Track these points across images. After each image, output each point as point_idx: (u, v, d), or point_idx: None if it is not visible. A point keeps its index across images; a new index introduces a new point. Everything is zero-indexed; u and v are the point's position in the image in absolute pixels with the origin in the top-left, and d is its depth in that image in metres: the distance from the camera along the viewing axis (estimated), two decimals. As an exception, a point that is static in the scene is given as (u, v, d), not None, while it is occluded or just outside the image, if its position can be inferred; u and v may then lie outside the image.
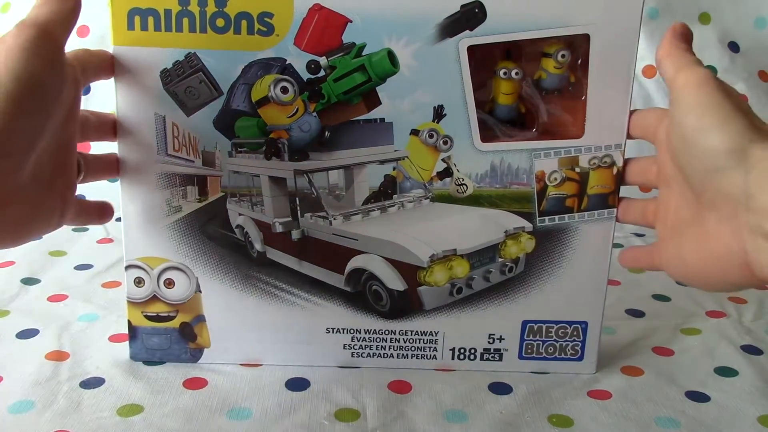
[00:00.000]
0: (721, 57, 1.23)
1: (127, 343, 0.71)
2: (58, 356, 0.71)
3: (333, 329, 0.69)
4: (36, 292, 0.86)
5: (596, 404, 0.67)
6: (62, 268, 0.93)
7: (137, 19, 0.60)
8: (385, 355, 0.70)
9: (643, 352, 0.77)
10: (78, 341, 0.74)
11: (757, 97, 1.23)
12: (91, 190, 1.13)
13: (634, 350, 0.77)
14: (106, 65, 0.60)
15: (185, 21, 0.60)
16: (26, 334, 0.76)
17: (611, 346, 0.77)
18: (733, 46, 1.24)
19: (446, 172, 0.65)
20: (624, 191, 0.66)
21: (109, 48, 0.61)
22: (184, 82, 0.61)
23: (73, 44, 0.53)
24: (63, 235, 1.03)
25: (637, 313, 0.85)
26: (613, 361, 0.74)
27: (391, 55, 0.61)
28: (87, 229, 1.06)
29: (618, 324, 0.82)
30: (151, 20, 0.60)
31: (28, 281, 0.89)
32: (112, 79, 0.61)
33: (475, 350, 0.70)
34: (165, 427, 0.62)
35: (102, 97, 1.23)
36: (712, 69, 1.23)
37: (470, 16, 0.60)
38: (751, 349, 0.77)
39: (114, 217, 0.65)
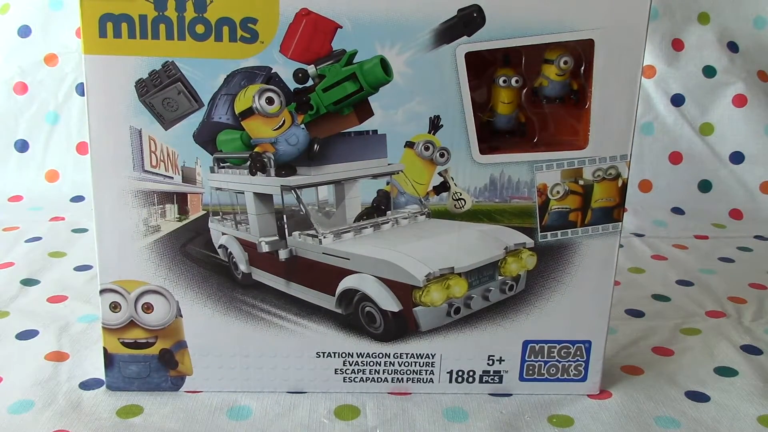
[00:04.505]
0: (720, 57, 1.24)
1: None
2: (58, 357, 0.73)
3: (324, 353, 0.68)
4: (36, 293, 0.88)
5: (596, 404, 0.68)
6: (62, 269, 0.95)
7: (110, 26, 0.58)
8: (380, 380, 0.69)
9: (643, 352, 0.78)
10: (78, 342, 0.76)
11: (757, 97, 1.24)
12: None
13: (634, 350, 0.78)
14: None
15: (162, 27, 0.58)
16: (26, 335, 0.77)
17: (611, 346, 0.77)
18: (733, 46, 1.25)
19: (443, 187, 0.64)
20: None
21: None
22: (162, 93, 0.59)
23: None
24: (62, 236, 1.06)
25: (637, 313, 0.87)
26: (613, 360, 0.75)
27: (383, 63, 0.59)
28: (86, 230, 1.07)
29: (618, 324, 0.83)
30: (125, 27, 0.58)
31: (28, 282, 0.90)
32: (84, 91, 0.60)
33: (474, 372, 0.69)
34: (165, 427, 0.63)
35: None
36: (711, 69, 1.22)
37: (468, 21, 0.59)
38: (750, 349, 0.79)
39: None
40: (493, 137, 0.65)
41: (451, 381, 0.69)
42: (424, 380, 0.69)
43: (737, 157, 1.24)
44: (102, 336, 0.66)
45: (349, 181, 0.66)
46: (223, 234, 0.67)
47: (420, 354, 0.67)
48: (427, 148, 0.62)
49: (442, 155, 0.62)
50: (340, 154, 0.63)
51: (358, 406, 0.67)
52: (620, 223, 0.64)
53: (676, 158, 1.24)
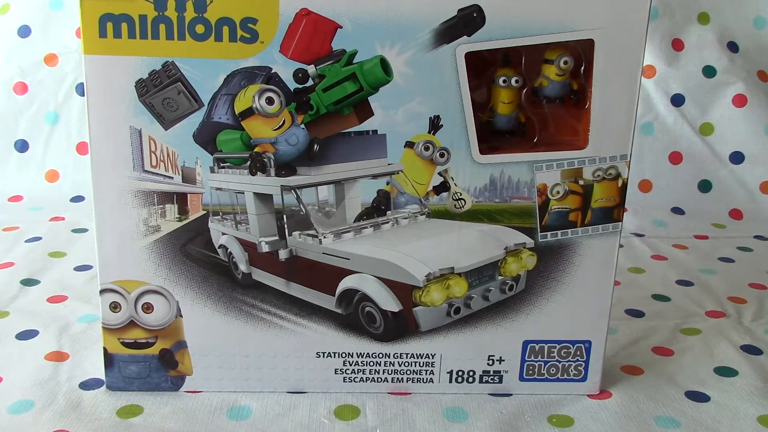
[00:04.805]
0: (720, 57, 1.24)
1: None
2: (58, 357, 0.73)
3: (324, 353, 0.67)
4: (36, 293, 0.88)
5: (596, 404, 0.68)
6: (62, 269, 0.95)
7: (110, 26, 0.57)
8: (380, 380, 0.69)
9: (643, 352, 0.78)
10: (78, 342, 0.76)
11: (757, 97, 1.24)
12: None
13: (634, 350, 0.78)
14: None
15: (162, 27, 0.58)
16: (26, 335, 0.77)
17: (611, 346, 0.77)
18: (733, 46, 1.25)
19: (443, 187, 0.63)
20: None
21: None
22: (162, 93, 0.59)
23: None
24: (62, 236, 1.06)
25: (637, 313, 0.87)
26: (613, 360, 0.75)
27: (383, 63, 0.59)
28: (86, 230, 1.07)
29: (618, 324, 0.83)
30: (124, 27, 0.58)
31: (28, 282, 0.90)
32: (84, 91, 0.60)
33: (474, 372, 0.69)
34: (165, 427, 0.63)
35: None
36: (711, 69, 1.22)
37: (468, 21, 0.58)
38: (750, 349, 0.79)
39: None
40: (493, 137, 0.65)
41: (451, 381, 0.68)
42: (424, 380, 0.68)
43: (737, 157, 1.24)
44: (102, 336, 0.66)
45: (349, 181, 0.65)
46: (223, 234, 0.67)
47: (420, 354, 0.67)
48: (427, 148, 0.62)
49: (442, 155, 0.62)
50: (340, 154, 0.63)
51: (358, 406, 0.67)
52: (620, 223, 0.64)
53: (676, 158, 1.24)
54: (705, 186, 1.24)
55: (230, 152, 0.62)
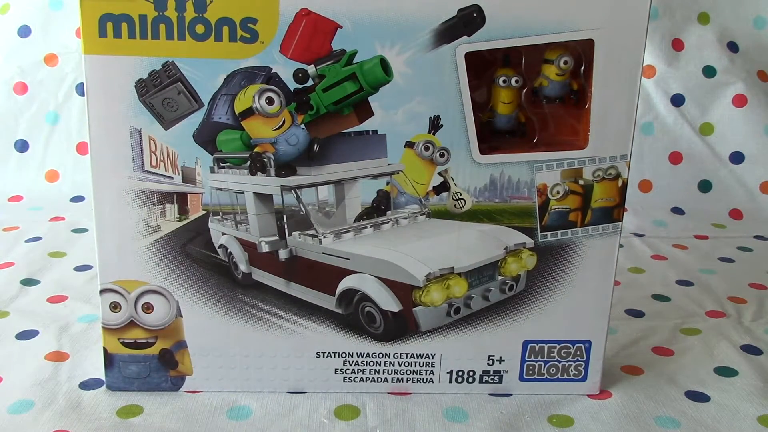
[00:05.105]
0: (720, 57, 1.24)
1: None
2: (58, 357, 0.73)
3: (324, 353, 0.67)
4: (36, 293, 0.88)
5: (596, 404, 0.68)
6: (62, 269, 0.95)
7: (110, 26, 0.57)
8: (380, 380, 0.69)
9: (643, 352, 0.78)
10: (77, 342, 0.76)
11: (757, 97, 1.24)
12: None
13: (634, 350, 0.78)
14: None
15: (162, 27, 0.58)
16: (26, 335, 0.77)
17: (611, 346, 0.77)
18: (733, 46, 1.25)
19: (443, 187, 0.63)
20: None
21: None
22: (162, 93, 0.59)
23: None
24: (62, 236, 1.06)
25: (637, 313, 0.87)
26: (613, 360, 0.75)
27: (383, 63, 0.59)
28: (86, 230, 1.08)
29: (618, 324, 0.83)
30: (124, 27, 0.57)
31: (28, 282, 0.91)
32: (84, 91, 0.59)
33: (474, 372, 0.69)
34: (165, 427, 0.63)
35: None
36: (711, 69, 1.22)
37: (468, 21, 0.58)
38: (750, 349, 0.79)
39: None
40: (493, 137, 0.65)
41: (451, 381, 0.68)
42: (424, 380, 0.68)
43: (737, 157, 1.24)
44: (102, 336, 0.66)
45: (349, 181, 0.65)
46: (223, 234, 0.67)
47: (420, 354, 0.67)
48: (427, 148, 0.62)
49: (442, 155, 0.62)
50: (340, 154, 0.63)
51: (358, 406, 0.67)
52: (620, 223, 0.64)
53: (676, 158, 1.24)
54: (705, 186, 1.24)
55: (230, 152, 0.62)
